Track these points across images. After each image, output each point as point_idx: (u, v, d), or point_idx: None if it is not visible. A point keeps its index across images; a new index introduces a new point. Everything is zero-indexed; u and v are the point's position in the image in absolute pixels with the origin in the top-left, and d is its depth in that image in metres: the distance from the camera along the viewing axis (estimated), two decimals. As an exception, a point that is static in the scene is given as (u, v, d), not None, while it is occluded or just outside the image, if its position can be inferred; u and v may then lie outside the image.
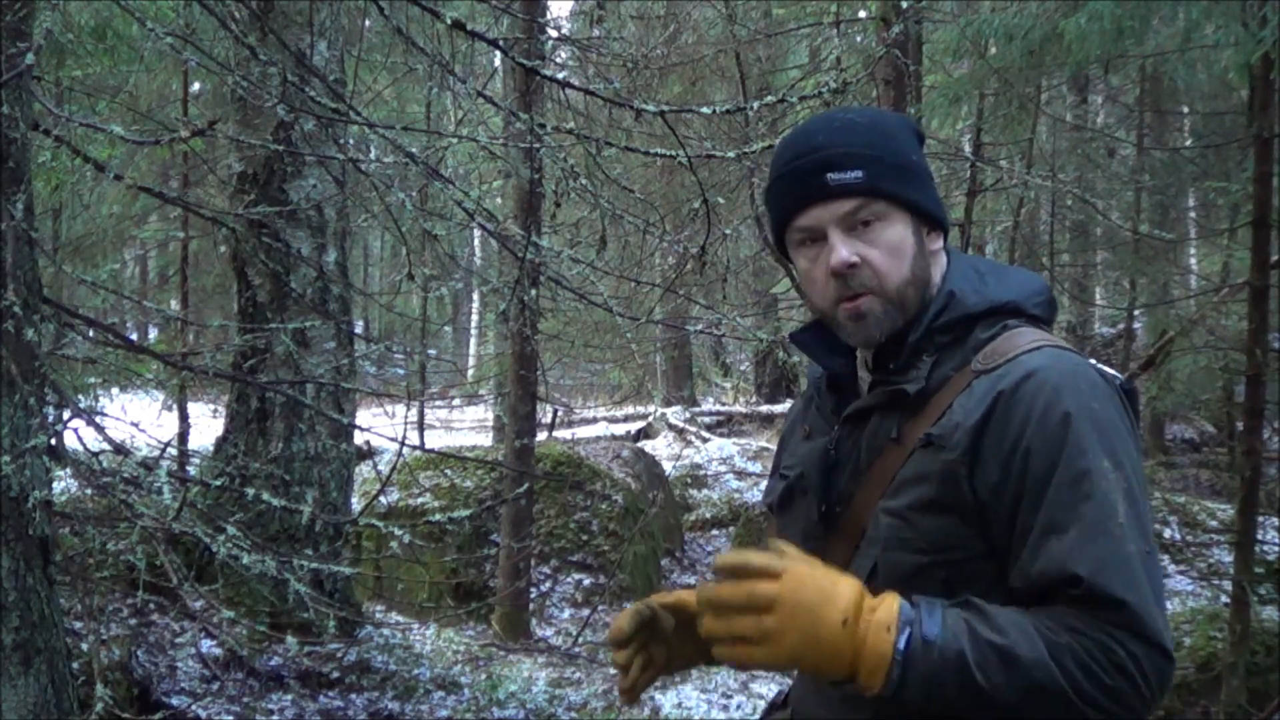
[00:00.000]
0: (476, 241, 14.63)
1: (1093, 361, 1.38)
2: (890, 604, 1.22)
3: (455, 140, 4.60)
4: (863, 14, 8.43)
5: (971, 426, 1.30)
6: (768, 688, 5.44)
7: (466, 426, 14.70)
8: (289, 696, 4.79)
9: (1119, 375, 1.38)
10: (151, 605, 4.70)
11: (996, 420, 1.29)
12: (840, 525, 1.42)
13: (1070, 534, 1.22)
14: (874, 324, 1.39)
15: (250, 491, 3.63)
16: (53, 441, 2.97)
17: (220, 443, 5.48)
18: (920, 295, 1.41)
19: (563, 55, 8.04)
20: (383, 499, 6.74)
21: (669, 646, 1.47)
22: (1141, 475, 1.29)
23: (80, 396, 4.66)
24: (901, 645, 1.19)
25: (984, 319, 1.39)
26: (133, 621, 4.70)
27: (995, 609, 1.22)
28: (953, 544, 1.30)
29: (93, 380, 5.27)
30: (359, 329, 11.14)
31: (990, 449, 1.29)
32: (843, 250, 1.37)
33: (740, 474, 10.54)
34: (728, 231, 4.74)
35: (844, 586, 1.22)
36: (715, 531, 9.54)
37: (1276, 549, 6.36)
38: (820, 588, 1.21)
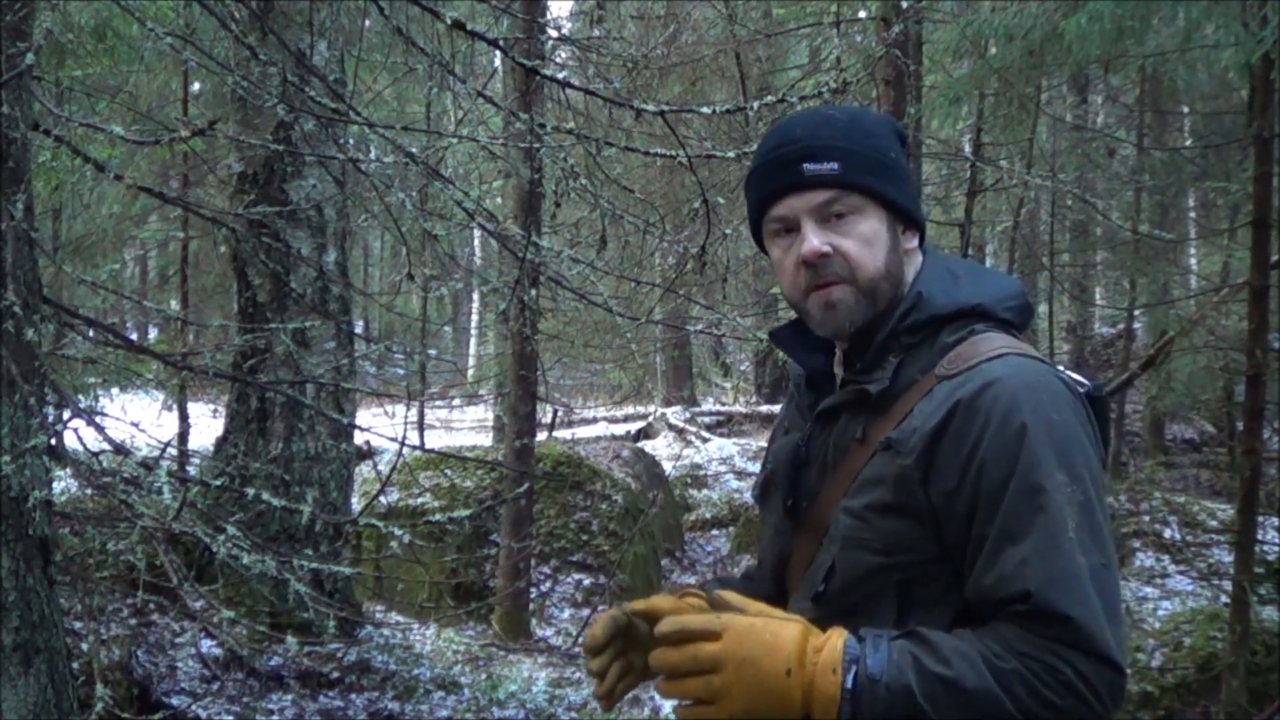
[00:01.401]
0: (476, 241, 14.64)
1: (1060, 368, 1.37)
2: (835, 643, 1.23)
3: (455, 140, 4.60)
4: (863, 14, 8.43)
5: (928, 432, 1.29)
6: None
7: (466, 426, 14.69)
8: (289, 696, 4.78)
9: (1085, 382, 1.37)
10: (151, 605, 4.70)
11: (953, 428, 1.28)
12: (806, 521, 1.44)
13: (1020, 548, 1.22)
14: (844, 314, 1.39)
15: (250, 491, 3.63)
16: (53, 441, 2.97)
17: (220, 443, 5.48)
18: (892, 291, 1.40)
19: (563, 55, 8.03)
20: (383, 499, 6.75)
21: (647, 652, 1.47)
22: (1101, 487, 1.28)
23: (80, 396, 4.66)
24: (848, 685, 1.20)
25: (951, 322, 1.38)
26: (133, 621, 4.70)
27: (941, 638, 1.23)
28: (908, 546, 1.30)
29: (93, 380, 5.27)
30: (359, 329, 11.14)
31: (945, 457, 1.28)
32: (814, 239, 1.38)
33: (740, 474, 10.54)
34: (728, 231, 4.73)
35: (786, 635, 1.23)
36: (715, 531, 9.54)
37: (1276, 549, 6.36)
38: (761, 640, 1.22)
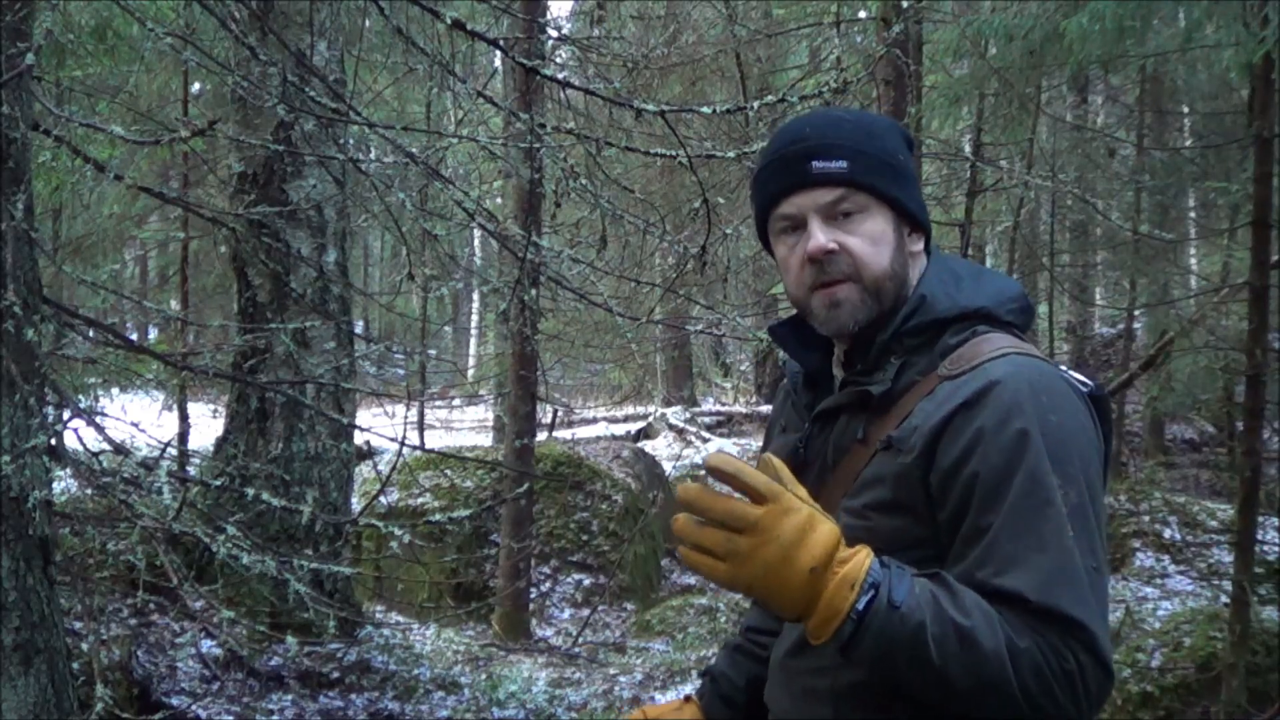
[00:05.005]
0: (476, 241, 14.62)
1: (1062, 368, 1.37)
2: (860, 560, 1.21)
3: (455, 140, 4.60)
4: (863, 14, 8.43)
5: (929, 430, 1.30)
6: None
7: (466, 426, 14.69)
8: (289, 696, 4.78)
9: (1088, 382, 1.37)
10: (151, 605, 4.69)
11: (954, 427, 1.28)
12: None
13: (1022, 546, 1.22)
14: (848, 312, 1.39)
15: (250, 491, 3.63)
16: (53, 441, 2.97)
17: (220, 443, 5.48)
18: (897, 291, 1.40)
19: (563, 55, 8.03)
20: (383, 499, 6.74)
21: None
22: (1097, 489, 1.28)
23: (80, 396, 4.66)
24: (860, 606, 1.19)
25: (954, 324, 1.38)
26: (133, 621, 4.70)
27: (964, 590, 1.22)
28: (908, 544, 1.30)
29: (93, 380, 5.26)
30: (359, 329, 11.13)
31: (946, 454, 1.28)
32: (820, 235, 1.38)
33: (740, 474, 10.51)
34: (728, 231, 4.73)
35: (821, 533, 1.21)
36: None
37: (1276, 549, 6.36)
38: (799, 527, 1.20)
